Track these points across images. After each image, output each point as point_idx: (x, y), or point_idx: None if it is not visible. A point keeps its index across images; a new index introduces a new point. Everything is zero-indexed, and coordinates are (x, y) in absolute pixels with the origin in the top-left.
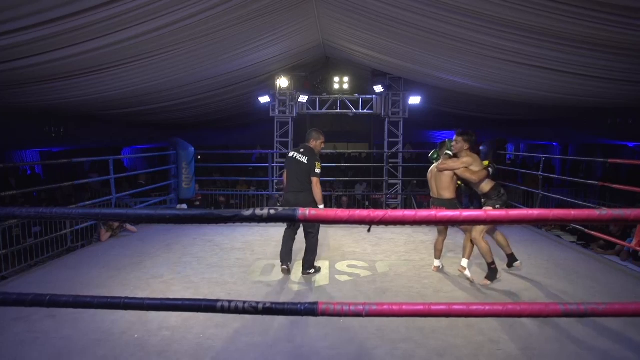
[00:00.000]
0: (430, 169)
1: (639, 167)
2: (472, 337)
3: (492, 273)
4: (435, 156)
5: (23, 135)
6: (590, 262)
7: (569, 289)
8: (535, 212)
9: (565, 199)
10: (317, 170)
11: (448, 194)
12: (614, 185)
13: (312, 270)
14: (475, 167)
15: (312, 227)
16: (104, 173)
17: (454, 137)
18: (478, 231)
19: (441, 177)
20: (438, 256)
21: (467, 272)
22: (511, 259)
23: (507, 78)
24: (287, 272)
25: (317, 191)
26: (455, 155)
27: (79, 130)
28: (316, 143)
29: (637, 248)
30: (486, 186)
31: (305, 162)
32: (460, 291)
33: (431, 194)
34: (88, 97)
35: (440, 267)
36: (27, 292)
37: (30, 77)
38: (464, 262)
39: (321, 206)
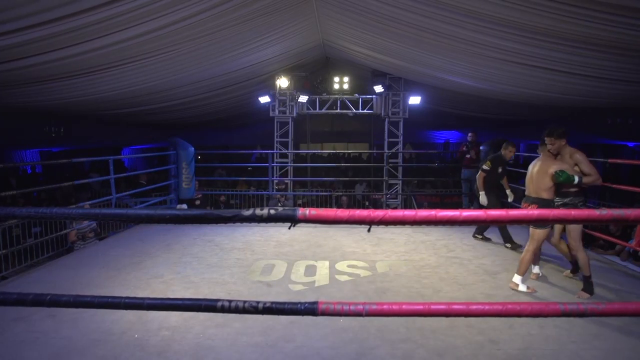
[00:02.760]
0: (531, 170)
1: (639, 167)
2: (472, 337)
3: (589, 286)
4: (566, 176)
5: (23, 135)
6: (590, 262)
7: (568, 289)
8: (535, 212)
9: None
10: (484, 167)
11: (547, 194)
12: (614, 185)
13: (509, 245)
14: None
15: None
16: (104, 173)
17: (547, 140)
18: (574, 238)
19: (544, 178)
20: (535, 262)
21: (523, 287)
22: (576, 266)
23: (507, 78)
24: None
25: (478, 181)
26: (555, 155)
27: (79, 130)
28: (505, 151)
29: (638, 248)
30: (572, 187)
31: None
32: (460, 291)
33: (526, 193)
34: (88, 97)
35: (540, 274)
36: (27, 292)
37: (30, 77)
38: (516, 279)
39: (482, 192)
